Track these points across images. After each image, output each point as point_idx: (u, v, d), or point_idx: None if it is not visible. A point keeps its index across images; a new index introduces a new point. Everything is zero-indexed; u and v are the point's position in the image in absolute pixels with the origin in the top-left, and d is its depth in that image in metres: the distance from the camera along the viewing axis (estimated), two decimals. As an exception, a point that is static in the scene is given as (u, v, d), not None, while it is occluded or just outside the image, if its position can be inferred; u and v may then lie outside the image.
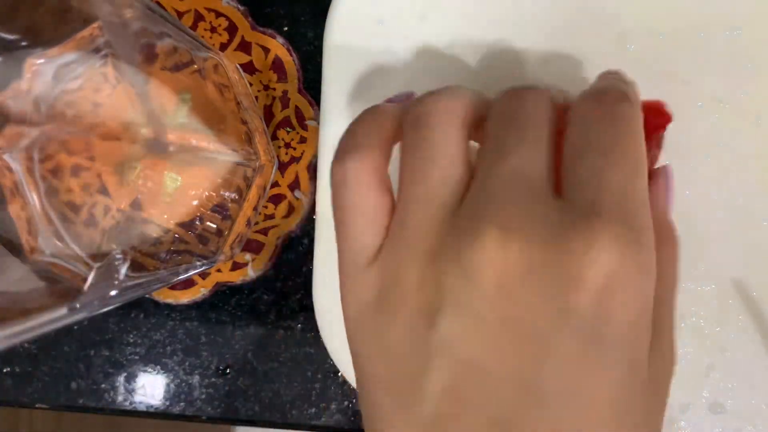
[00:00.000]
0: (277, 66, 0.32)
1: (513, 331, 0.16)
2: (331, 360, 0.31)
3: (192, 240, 0.27)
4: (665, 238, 0.20)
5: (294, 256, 0.33)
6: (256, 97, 0.32)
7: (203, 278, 0.33)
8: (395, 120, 0.21)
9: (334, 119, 0.30)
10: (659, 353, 0.19)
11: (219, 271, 0.33)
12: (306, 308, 0.33)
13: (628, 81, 0.22)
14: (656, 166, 0.24)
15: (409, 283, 0.18)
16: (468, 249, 0.16)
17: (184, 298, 0.33)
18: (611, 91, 0.20)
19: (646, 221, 0.17)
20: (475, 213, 0.17)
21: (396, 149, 0.21)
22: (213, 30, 0.32)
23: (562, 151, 0.20)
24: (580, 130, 0.19)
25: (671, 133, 0.28)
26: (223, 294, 0.33)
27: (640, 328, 0.17)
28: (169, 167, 0.25)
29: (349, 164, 0.20)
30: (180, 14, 0.32)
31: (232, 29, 0.32)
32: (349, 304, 0.20)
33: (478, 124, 0.21)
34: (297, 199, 0.32)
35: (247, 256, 0.32)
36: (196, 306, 0.33)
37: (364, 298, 0.19)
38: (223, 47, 0.32)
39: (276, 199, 0.32)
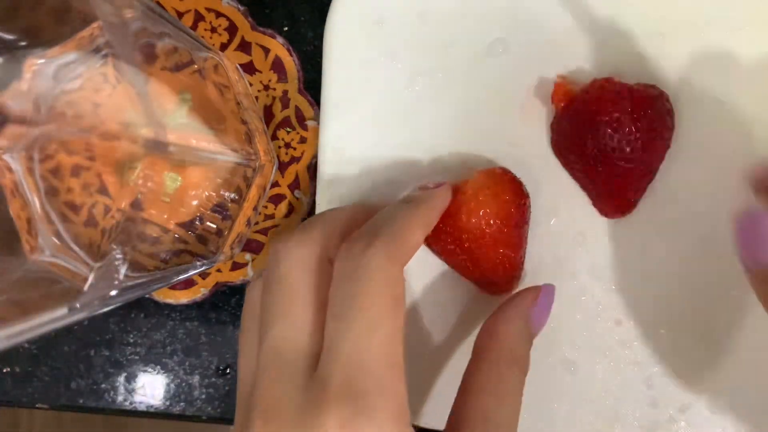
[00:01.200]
0: (277, 66, 0.32)
1: None
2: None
3: (192, 240, 0.27)
4: (512, 364, 0.23)
5: (294, 256, 0.33)
6: (256, 97, 0.32)
7: (203, 278, 0.33)
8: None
9: (334, 119, 0.30)
10: None
11: (219, 271, 0.33)
12: (306, 308, 0.33)
13: (412, 202, 0.23)
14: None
15: None
16: None
17: (184, 298, 0.33)
18: (360, 239, 0.21)
19: (380, 383, 0.19)
20: (250, 400, 0.20)
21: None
22: (213, 30, 0.32)
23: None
24: (331, 290, 0.21)
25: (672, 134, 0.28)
26: (223, 294, 0.33)
27: None
28: (169, 167, 0.25)
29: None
30: (180, 14, 0.32)
31: (232, 29, 0.32)
32: None
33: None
34: (297, 199, 0.32)
35: (247, 256, 0.32)
36: (196, 306, 0.33)
37: None
38: (223, 47, 0.32)
39: (276, 199, 0.32)
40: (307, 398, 0.19)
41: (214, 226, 0.28)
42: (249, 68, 0.32)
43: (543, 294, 0.25)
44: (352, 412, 0.18)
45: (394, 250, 0.20)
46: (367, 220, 0.24)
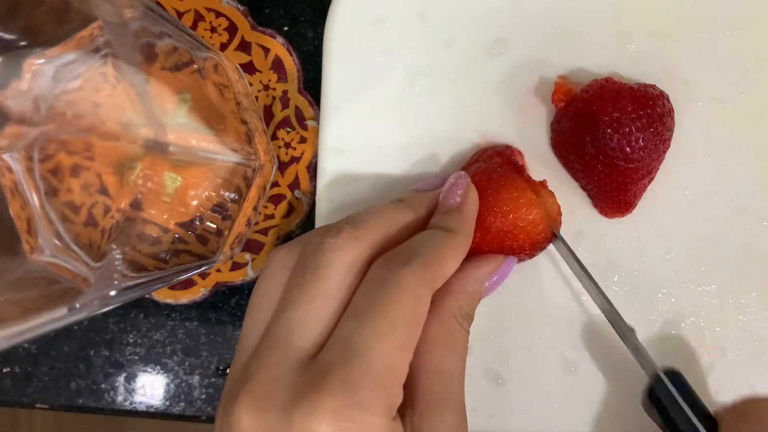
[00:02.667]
0: (277, 66, 0.32)
1: None
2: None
3: (192, 240, 0.27)
4: (463, 320, 0.24)
5: (294, 256, 0.33)
6: (256, 97, 0.32)
7: (203, 278, 0.33)
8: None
9: (334, 119, 0.30)
10: None
11: (219, 271, 0.33)
12: (306, 308, 0.33)
13: (450, 225, 0.24)
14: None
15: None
16: (227, 414, 0.20)
17: (184, 298, 0.33)
18: (402, 255, 0.22)
19: (379, 382, 0.19)
20: (243, 371, 0.21)
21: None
22: (213, 30, 0.32)
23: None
24: (358, 290, 0.22)
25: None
26: (223, 294, 0.33)
27: None
28: (169, 167, 0.25)
29: None
30: (180, 14, 0.32)
31: (232, 29, 0.32)
32: None
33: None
34: (297, 199, 0.32)
35: (247, 256, 0.32)
36: (196, 306, 0.33)
37: None
38: (223, 47, 0.32)
39: (276, 199, 0.32)
40: (303, 382, 0.19)
41: (214, 226, 0.28)
42: (249, 68, 0.32)
43: (506, 264, 0.26)
44: (347, 403, 0.18)
45: (430, 275, 0.22)
46: (414, 221, 0.25)
